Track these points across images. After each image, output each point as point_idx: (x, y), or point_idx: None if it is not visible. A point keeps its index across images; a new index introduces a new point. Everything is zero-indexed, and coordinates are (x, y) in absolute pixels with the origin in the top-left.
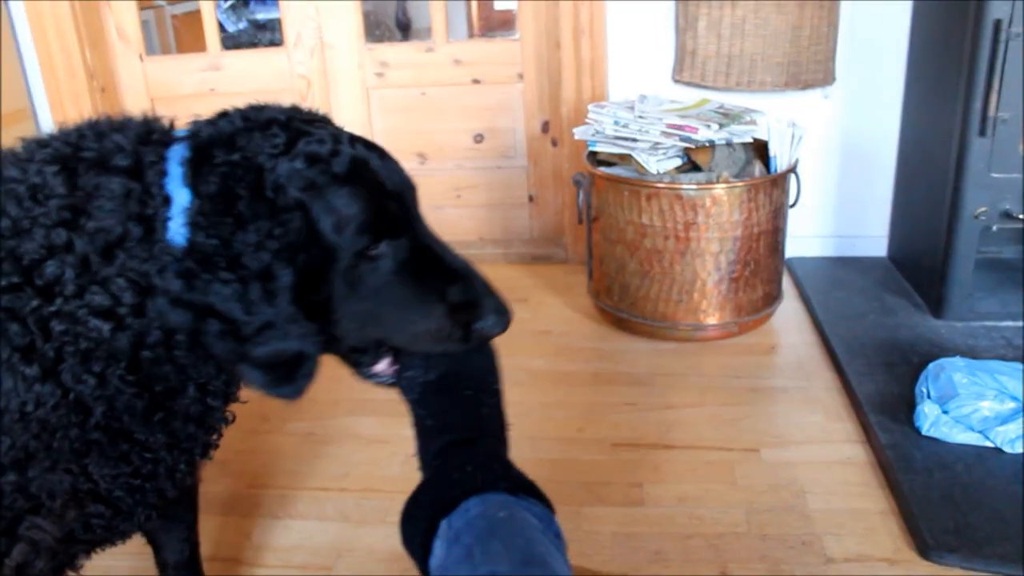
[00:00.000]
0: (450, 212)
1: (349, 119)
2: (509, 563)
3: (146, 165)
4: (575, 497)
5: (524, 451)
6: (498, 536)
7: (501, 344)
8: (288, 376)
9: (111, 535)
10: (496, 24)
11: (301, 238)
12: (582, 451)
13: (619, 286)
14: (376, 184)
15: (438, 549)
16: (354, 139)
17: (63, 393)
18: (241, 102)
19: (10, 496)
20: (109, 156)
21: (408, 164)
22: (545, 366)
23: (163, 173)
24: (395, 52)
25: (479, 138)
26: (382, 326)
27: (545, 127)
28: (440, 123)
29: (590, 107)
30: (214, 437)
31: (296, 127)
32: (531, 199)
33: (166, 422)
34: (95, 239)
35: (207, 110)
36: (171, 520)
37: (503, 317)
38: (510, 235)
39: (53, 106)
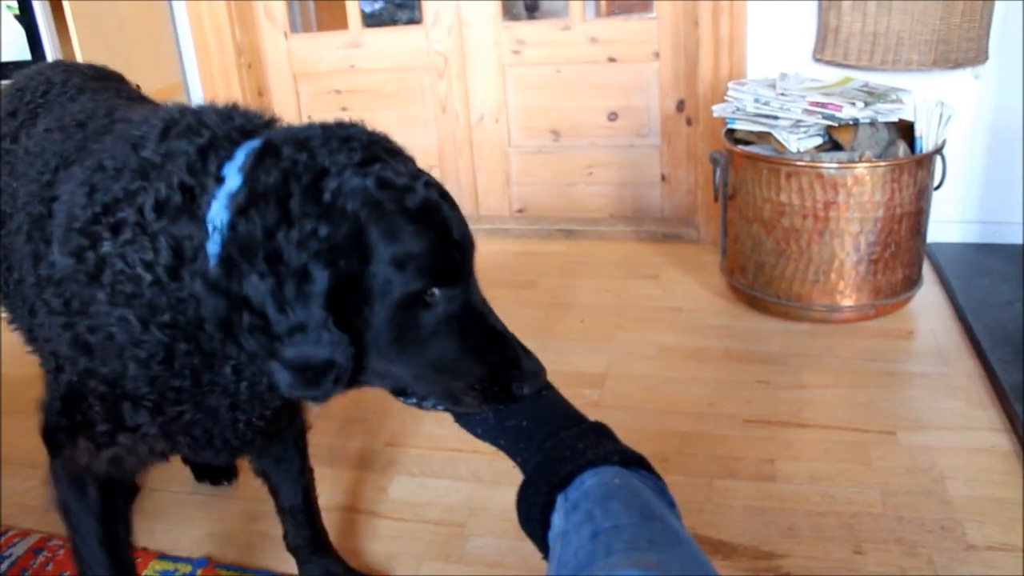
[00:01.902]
0: (581, 189)
1: (484, 96)
2: (629, 517)
3: (218, 146)
4: (706, 470)
5: (654, 423)
6: (616, 498)
7: (631, 319)
8: (315, 381)
9: (194, 450)
10: (626, 3)
11: (347, 247)
12: (713, 425)
13: (754, 265)
14: (444, 230)
15: (556, 521)
16: (430, 183)
17: (121, 325)
18: (380, 78)
19: (108, 406)
20: (195, 130)
21: (541, 141)
22: (676, 342)
23: (228, 157)
24: (531, 30)
25: (613, 116)
26: (411, 370)
27: (680, 106)
28: (574, 101)
29: (730, 85)
30: (271, 407)
31: (376, 152)
32: (663, 178)
33: (213, 384)
34: (152, 196)
35: (347, 86)
36: (279, 465)
37: (540, 378)
38: (641, 213)
39: (204, 80)
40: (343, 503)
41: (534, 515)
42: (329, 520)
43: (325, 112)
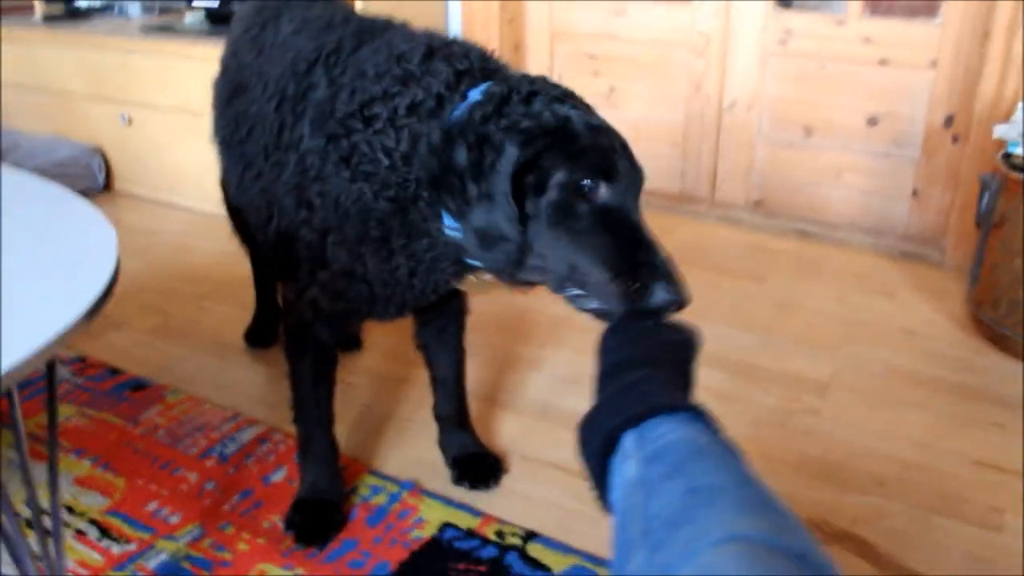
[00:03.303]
0: (825, 191)
1: (741, 82)
2: (729, 477)
3: (473, 75)
4: (926, 503)
5: (876, 444)
6: (707, 456)
7: (861, 333)
8: (491, 247)
9: (371, 310)
10: (909, 3)
11: (538, 136)
12: (938, 460)
13: (1007, 301)
14: (612, 144)
15: (629, 469)
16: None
17: (358, 195)
18: (638, 49)
19: (315, 249)
20: (458, 58)
21: (792, 136)
22: (907, 366)
23: (474, 85)
24: (803, 20)
25: (873, 121)
26: (567, 259)
27: (948, 121)
28: (834, 99)
29: (1021, 105)
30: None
31: (577, 98)
32: (915, 193)
33: (408, 251)
34: (408, 99)
35: (602, 52)
36: (439, 337)
37: (673, 294)
38: (884, 226)
39: (465, 29)
40: (551, 459)
41: (596, 445)
42: (536, 473)
43: (577, 75)
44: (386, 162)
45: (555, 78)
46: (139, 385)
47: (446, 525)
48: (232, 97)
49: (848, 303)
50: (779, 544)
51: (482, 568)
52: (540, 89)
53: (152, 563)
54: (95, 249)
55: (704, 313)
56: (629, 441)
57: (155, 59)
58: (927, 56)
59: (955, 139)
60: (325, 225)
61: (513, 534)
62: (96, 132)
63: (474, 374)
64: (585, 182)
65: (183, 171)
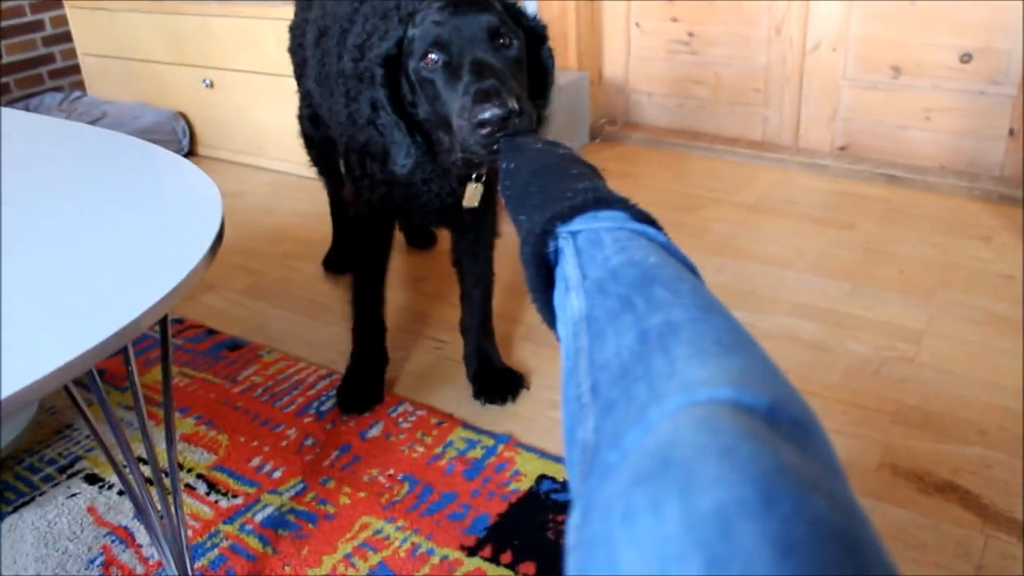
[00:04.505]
0: (914, 134)
1: (825, 23)
2: (683, 310)
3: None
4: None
5: (976, 392)
6: (658, 281)
7: (957, 279)
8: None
9: (408, 210)
10: None
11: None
12: None
13: None
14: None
15: (571, 301)
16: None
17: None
18: None
19: (362, 158)
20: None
21: (878, 77)
22: (1007, 312)
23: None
24: None
25: (966, 58)
26: (443, 121)
27: None
28: (925, 37)
29: None
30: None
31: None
32: (1011, 132)
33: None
34: (382, 30)
35: None
36: (469, 253)
37: (496, 107)
38: (978, 168)
39: None
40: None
41: (535, 254)
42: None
43: (655, 20)
44: (380, 73)
45: (634, 25)
46: (235, 345)
47: (543, 477)
48: (319, 38)
49: (942, 249)
50: (751, 401)
51: None
52: (419, 8)
53: (259, 516)
54: (200, 207)
55: (791, 262)
56: (569, 263)
57: (233, 22)
58: None
59: None
60: (365, 138)
61: None
62: (178, 97)
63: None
64: (427, 58)
65: (265, 133)
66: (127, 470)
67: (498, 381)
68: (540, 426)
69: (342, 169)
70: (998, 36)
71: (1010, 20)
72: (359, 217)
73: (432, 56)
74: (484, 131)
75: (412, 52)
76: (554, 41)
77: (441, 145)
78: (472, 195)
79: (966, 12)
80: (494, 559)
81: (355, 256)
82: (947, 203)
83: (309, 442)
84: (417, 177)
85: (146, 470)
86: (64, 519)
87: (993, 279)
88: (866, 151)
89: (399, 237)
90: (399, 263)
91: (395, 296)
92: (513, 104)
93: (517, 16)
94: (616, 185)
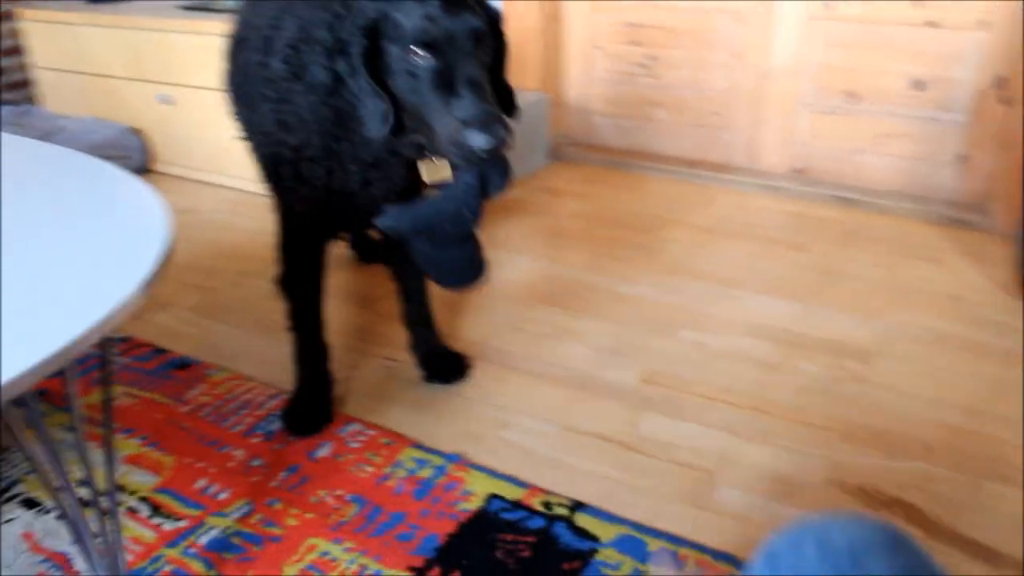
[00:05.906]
0: (869, 158)
1: (784, 49)
2: None
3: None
4: (977, 468)
5: (923, 410)
6: None
7: (906, 299)
8: (377, 120)
9: (345, 219)
10: None
11: (376, 22)
12: (989, 426)
13: None
14: (430, 21)
15: None
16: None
17: (311, 106)
18: (677, 17)
19: (293, 166)
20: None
21: (835, 102)
22: (953, 331)
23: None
24: None
25: (919, 85)
26: (414, 113)
27: (999, 84)
28: (880, 64)
29: None
30: (395, 188)
31: None
32: (961, 158)
33: (353, 156)
34: (326, 24)
35: (642, 20)
36: (402, 252)
37: (487, 134)
38: (929, 192)
39: (506, 5)
40: (600, 431)
41: None
42: (580, 443)
43: (617, 44)
44: (322, 75)
45: (595, 48)
46: (184, 364)
47: (492, 496)
48: (235, 51)
49: (892, 270)
50: None
51: (530, 539)
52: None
53: (204, 539)
54: (148, 226)
55: (745, 282)
56: None
57: (194, 39)
58: (975, 17)
59: (1005, 102)
60: (297, 141)
61: (560, 504)
62: (136, 113)
63: (516, 348)
64: (415, 53)
65: (224, 150)
66: (62, 493)
67: (447, 363)
68: (490, 445)
69: (265, 190)
70: (951, 65)
71: (962, 50)
72: (289, 239)
73: (420, 53)
74: (473, 155)
75: (395, 37)
76: (515, 62)
77: (406, 126)
78: (431, 171)
79: (920, 41)
80: None
81: (288, 282)
82: (900, 225)
83: (256, 463)
84: (384, 151)
85: (86, 493)
86: None
87: (942, 300)
88: (822, 174)
89: (346, 253)
90: (349, 280)
91: (346, 314)
92: (503, 134)
93: (481, 2)
94: (576, 205)
